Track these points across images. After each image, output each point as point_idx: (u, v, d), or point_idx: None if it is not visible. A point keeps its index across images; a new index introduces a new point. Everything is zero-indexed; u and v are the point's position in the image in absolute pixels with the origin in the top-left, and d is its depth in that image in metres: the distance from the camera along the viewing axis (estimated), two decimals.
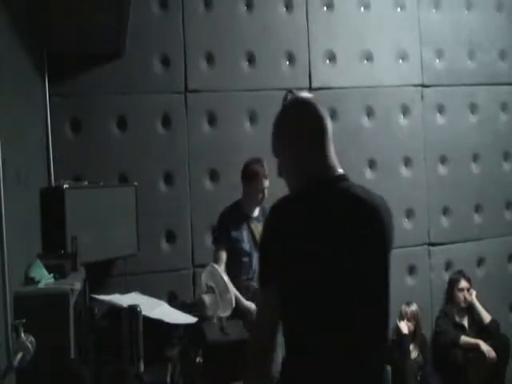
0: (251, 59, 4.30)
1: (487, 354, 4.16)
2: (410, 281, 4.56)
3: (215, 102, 4.21)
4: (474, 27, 4.80)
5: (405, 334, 4.18)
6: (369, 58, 4.55)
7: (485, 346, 4.19)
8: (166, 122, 4.12)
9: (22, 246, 2.45)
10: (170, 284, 4.04)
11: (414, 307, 4.30)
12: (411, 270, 4.56)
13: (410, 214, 4.56)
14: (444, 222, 4.71)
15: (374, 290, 1.58)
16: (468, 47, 4.79)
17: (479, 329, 4.40)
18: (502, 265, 4.84)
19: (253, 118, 4.29)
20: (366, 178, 4.36)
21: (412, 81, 4.62)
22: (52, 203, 3.26)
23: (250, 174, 3.55)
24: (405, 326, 4.21)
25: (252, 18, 4.31)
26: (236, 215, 3.60)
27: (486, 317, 4.40)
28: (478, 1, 4.81)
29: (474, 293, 4.48)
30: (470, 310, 4.47)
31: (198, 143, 4.16)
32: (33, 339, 2.04)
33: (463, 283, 4.46)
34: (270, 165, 3.63)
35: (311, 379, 1.52)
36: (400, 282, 4.37)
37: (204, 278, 3.08)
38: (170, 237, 4.11)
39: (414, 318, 4.27)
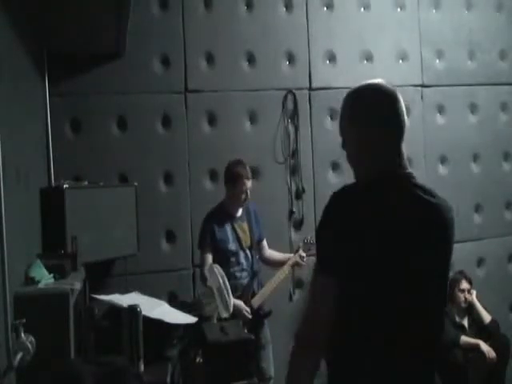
0: (251, 59, 4.30)
1: (487, 354, 4.15)
2: None
3: (215, 102, 4.21)
4: (474, 27, 4.80)
5: None
6: (369, 58, 4.55)
7: (485, 346, 4.19)
8: (166, 121, 4.12)
9: (22, 246, 2.45)
10: (170, 284, 4.04)
11: None
12: None
13: None
14: None
15: (434, 291, 1.55)
16: (468, 47, 4.79)
17: (479, 329, 4.39)
18: (502, 265, 4.84)
19: (253, 118, 4.30)
20: None
21: (412, 81, 4.63)
22: (52, 203, 3.26)
23: (234, 177, 3.62)
24: None
25: (252, 18, 4.31)
26: (220, 216, 3.67)
27: (486, 317, 4.40)
28: (477, 1, 4.81)
29: (474, 293, 4.48)
30: (470, 310, 4.46)
31: (198, 143, 4.17)
32: (33, 339, 2.04)
33: (464, 284, 4.44)
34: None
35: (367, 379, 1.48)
36: None
37: (209, 278, 3.09)
38: (170, 237, 4.11)
39: None
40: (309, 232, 4.00)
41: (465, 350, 4.22)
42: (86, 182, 3.67)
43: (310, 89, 4.40)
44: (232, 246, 3.64)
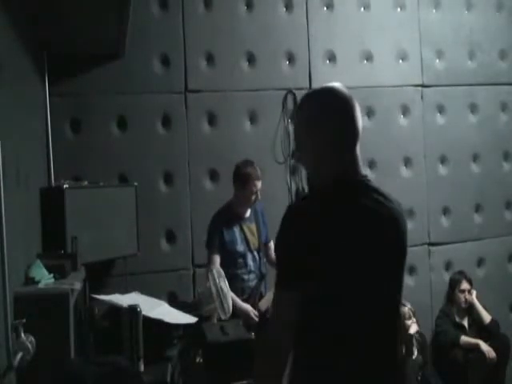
0: (251, 59, 4.30)
1: (487, 354, 4.15)
2: (409, 281, 4.55)
3: (215, 102, 4.21)
4: (474, 27, 4.80)
5: (410, 334, 4.16)
6: (369, 58, 4.55)
7: (485, 346, 4.19)
8: (166, 121, 4.12)
9: (21, 246, 2.45)
10: (169, 284, 4.04)
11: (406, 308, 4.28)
12: (411, 270, 4.56)
13: (410, 214, 4.55)
14: (444, 222, 4.71)
15: (390, 299, 1.59)
16: (468, 47, 4.79)
17: (479, 329, 4.40)
18: (502, 265, 4.84)
19: (253, 118, 4.30)
20: None
21: (412, 81, 4.63)
22: (52, 203, 3.26)
23: (244, 177, 3.58)
24: (414, 326, 4.18)
25: (252, 18, 4.31)
26: (228, 217, 3.63)
27: (486, 317, 4.40)
28: (477, 1, 4.81)
29: (474, 293, 4.48)
30: (470, 310, 4.47)
31: (198, 143, 4.16)
32: (33, 339, 2.04)
33: (464, 284, 4.45)
34: (261, 165, 3.68)
35: None
36: None
37: (211, 282, 3.09)
38: (170, 237, 4.11)
39: (410, 318, 4.26)
40: None
41: (465, 349, 4.23)
42: (86, 182, 3.67)
43: (310, 89, 4.40)
44: (240, 247, 3.60)
